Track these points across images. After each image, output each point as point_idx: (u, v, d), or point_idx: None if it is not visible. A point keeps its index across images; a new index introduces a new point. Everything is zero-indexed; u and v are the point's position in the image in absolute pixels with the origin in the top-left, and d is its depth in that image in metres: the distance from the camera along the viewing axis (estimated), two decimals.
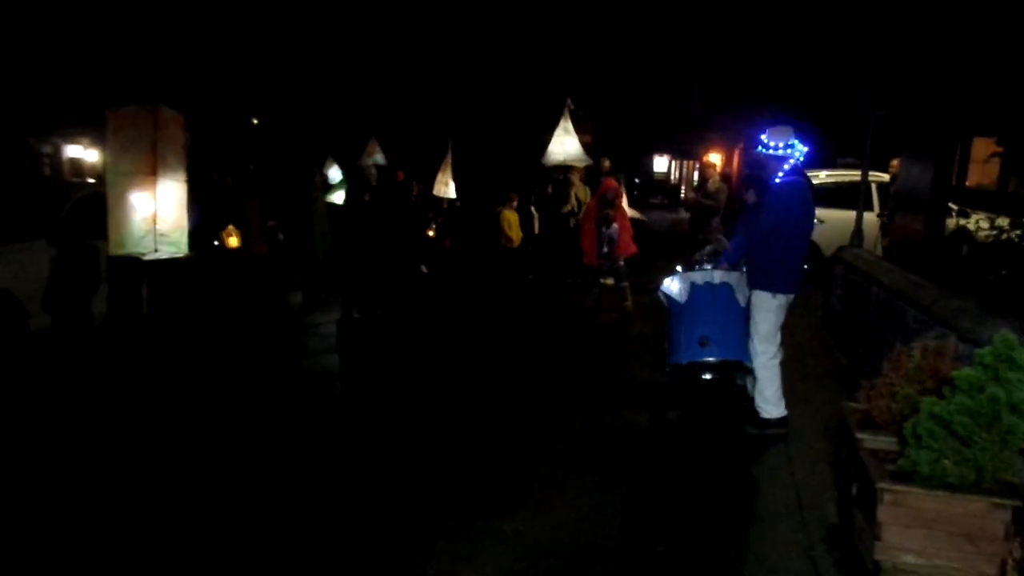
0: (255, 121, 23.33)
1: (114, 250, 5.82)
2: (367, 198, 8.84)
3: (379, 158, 11.13)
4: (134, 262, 6.41)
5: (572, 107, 10.32)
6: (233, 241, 8.91)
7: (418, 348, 6.95)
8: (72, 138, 23.33)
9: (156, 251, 5.83)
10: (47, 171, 22.87)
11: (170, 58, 18.00)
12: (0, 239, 5.93)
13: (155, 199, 5.66)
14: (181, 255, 6.02)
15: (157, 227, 5.70)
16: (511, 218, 10.83)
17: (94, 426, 4.73)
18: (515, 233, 10.88)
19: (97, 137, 22.86)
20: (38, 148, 22.78)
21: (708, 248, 5.72)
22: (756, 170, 6.46)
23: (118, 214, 5.68)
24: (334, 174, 10.79)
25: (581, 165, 10.29)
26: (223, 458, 4.29)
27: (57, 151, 23.53)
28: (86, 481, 3.94)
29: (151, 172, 5.62)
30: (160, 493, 3.82)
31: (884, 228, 9.44)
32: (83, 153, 23.95)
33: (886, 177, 10.10)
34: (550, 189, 10.57)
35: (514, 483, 4.00)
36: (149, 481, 3.95)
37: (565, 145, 10.02)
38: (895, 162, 9.44)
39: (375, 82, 20.76)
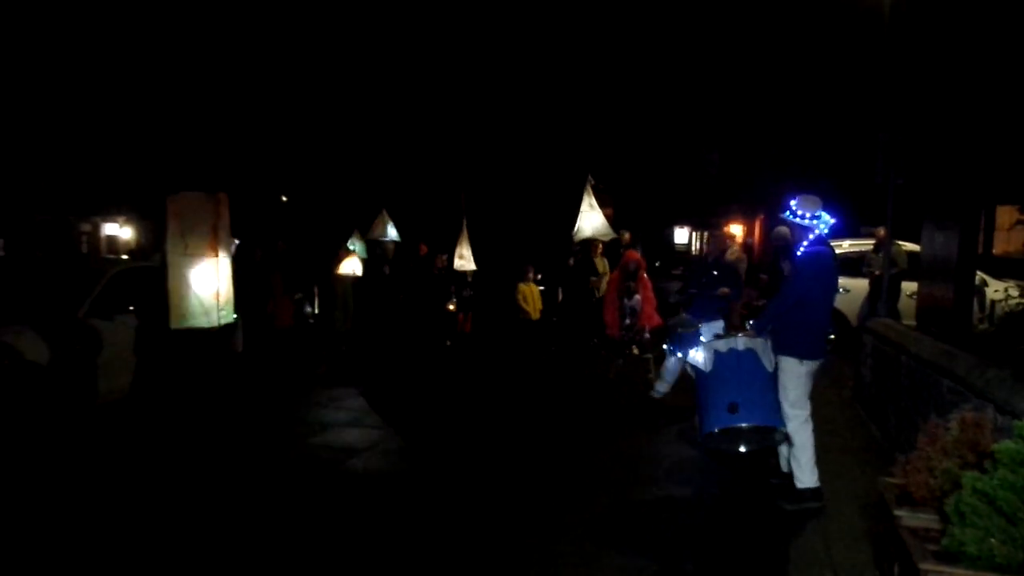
0: (284, 198, 24.09)
1: (177, 323, 6.15)
2: (386, 271, 8.96)
3: (391, 232, 11.28)
4: (164, 336, 6.59)
5: (593, 183, 10.58)
6: None
7: (440, 420, 6.88)
8: (109, 217, 24.26)
9: (219, 323, 6.26)
10: (85, 248, 23.69)
11: (204, 142, 18.85)
12: (35, 314, 6.08)
13: (218, 276, 6.10)
14: (231, 321, 6.52)
15: (219, 302, 6.14)
16: (526, 291, 10.88)
17: (117, 495, 4.70)
18: (531, 306, 10.90)
19: (132, 216, 23.80)
20: (78, 226, 23.70)
21: (676, 319, 6.74)
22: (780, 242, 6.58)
23: (183, 291, 6.07)
24: (357, 248, 10.97)
25: (606, 239, 10.46)
26: (229, 544, 4.22)
27: (96, 229, 24.42)
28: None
29: (214, 252, 6.08)
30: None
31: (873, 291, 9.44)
32: (119, 231, 24.87)
33: (914, 247, 10.06)
34: (571, 261, 10.67)
35: (536, 563, 3.86)
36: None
37: (592, 221, 10.27)
38: (881, 230, 9.59)
39: (396, 157, 21.44)
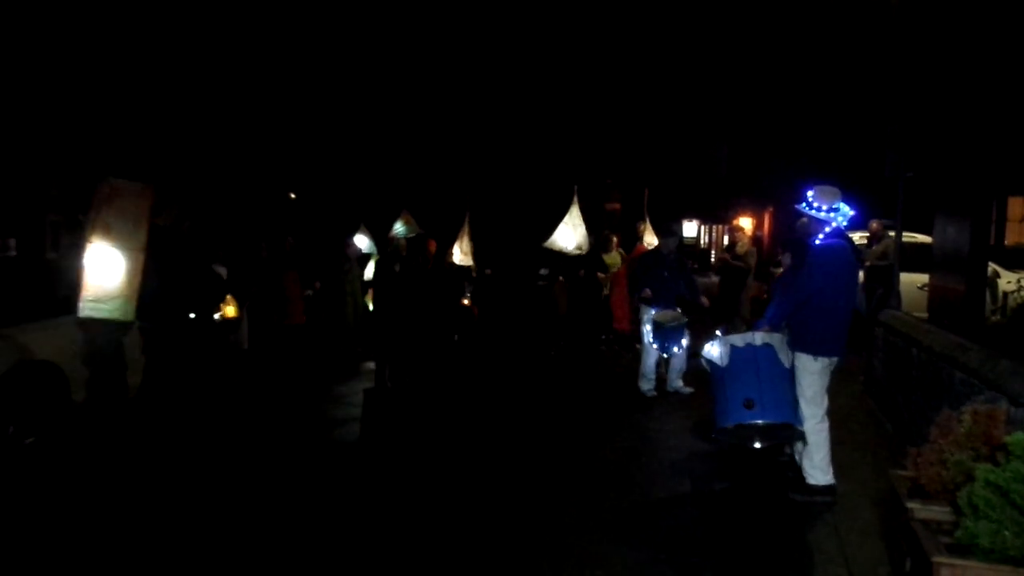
0: (292, 195, 24.11)
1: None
2: (397, 268, 8.94)
3: (405, 229, 11.26)
4: (169, 333, 6.60)
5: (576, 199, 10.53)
6: (230, 311, 8.92)
7: (449, 418, 6.90)
8: None
9: (86, 316, 5.95)
10: None
11: (213, 140, 18.92)
12: (46, 312, 6.13)
13: (84, 266, 5.89)
14: (127, 321, 6.06)
15: (85, 293, 5.86)
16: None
17: (135, 494, 4.75)
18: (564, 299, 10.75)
19: None
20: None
21: (662, 314, 7.02)
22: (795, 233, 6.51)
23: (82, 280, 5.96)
24: (365, 244, 10.96)
25: (580, 253, 10.33)
26: (230, 540, 4.26)
27: None
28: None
29: (91, 240, 5.93)
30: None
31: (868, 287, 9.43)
32: None
33: (923, 238, 10.03)
34: (582, 273, 10.54)
35: (547, 558, 3.87)
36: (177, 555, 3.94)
37: (577, 234, 10.18)
38: (875, 224, 9.86)
39: (403, 153, 21.44)
